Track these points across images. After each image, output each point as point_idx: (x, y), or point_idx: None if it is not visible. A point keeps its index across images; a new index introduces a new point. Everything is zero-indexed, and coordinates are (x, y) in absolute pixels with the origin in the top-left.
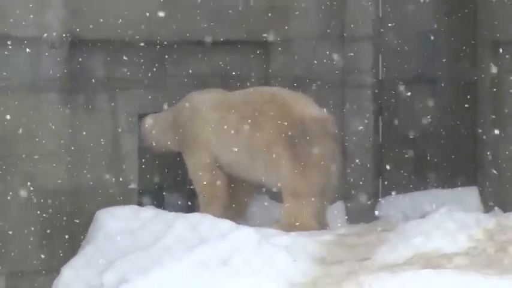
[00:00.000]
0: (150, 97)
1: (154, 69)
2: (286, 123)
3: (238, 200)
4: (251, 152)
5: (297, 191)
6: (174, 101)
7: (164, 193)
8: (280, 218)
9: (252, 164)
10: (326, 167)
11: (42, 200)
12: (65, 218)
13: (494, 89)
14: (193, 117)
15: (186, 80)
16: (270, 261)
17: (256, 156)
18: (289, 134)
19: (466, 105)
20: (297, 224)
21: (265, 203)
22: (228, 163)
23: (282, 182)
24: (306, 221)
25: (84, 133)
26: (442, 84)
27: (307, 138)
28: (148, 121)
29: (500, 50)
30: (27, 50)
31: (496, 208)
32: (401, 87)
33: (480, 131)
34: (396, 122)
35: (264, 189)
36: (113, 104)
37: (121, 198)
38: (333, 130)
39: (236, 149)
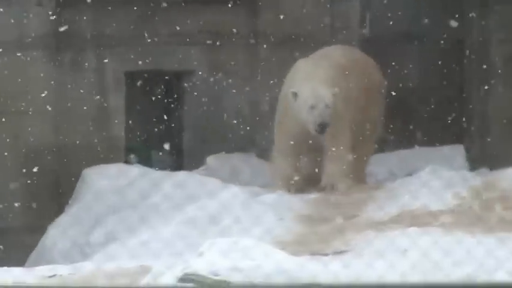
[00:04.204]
0: (137, 55)
1: (142, 27)
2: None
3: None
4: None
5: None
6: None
7: (151, 151)
8: None
9: None
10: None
11: (28, 158)
12: (51, 176)
13: (482, 48)
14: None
15: (173, 37)
16: (258, 219)
17: None
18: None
19: (454, 64)
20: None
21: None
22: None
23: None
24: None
25: (71, 91)
26: (430, 42)
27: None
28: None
29: (488, 8)
30: (14, 7)
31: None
32: (389, 45)
33: (467, 89)
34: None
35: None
36: (99, 61)
37: (107, 155)
38: None
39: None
